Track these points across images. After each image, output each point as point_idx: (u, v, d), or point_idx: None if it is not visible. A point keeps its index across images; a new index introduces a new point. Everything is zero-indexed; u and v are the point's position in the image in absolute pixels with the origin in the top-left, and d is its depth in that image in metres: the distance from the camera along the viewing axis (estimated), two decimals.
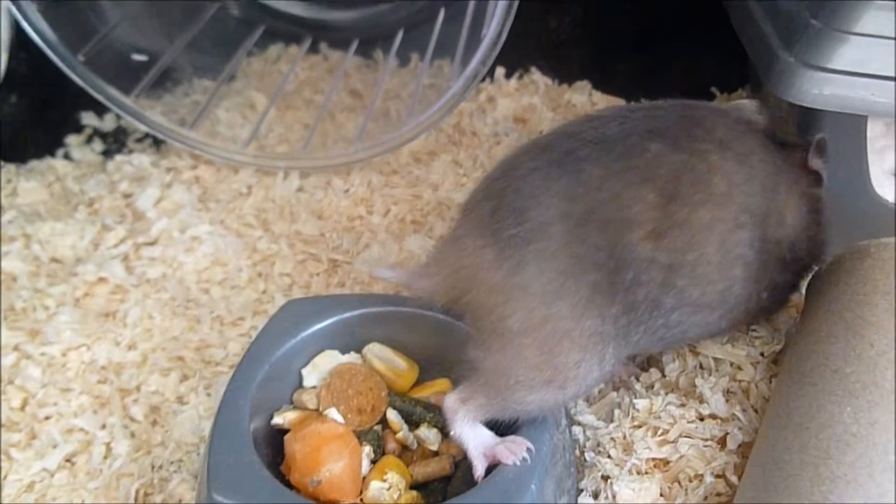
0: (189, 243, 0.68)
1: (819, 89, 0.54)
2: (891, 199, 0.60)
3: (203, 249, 0.67)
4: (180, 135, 0.75)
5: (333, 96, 0.82)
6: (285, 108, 0.83)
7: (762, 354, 0.54)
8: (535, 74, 0.86)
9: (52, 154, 0.80)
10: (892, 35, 0.52)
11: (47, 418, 0.56)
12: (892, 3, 0.52)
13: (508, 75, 0.86)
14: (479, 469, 0.45)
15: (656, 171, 0.45)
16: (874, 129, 0.60)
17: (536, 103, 0.82)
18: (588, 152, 0.46)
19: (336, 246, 0.67)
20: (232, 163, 0.75)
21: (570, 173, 0.45)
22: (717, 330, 0.51)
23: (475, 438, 0.45)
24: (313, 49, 0.90)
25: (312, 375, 0.50)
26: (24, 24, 0.69)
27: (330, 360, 0.51)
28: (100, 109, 0.82)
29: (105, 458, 0.54)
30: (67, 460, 0.54)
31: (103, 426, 0.55)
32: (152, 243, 0.68)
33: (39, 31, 0.70)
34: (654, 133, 0.46)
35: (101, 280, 0.65)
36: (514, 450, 0.44)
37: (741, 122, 0.50)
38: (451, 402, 0.46)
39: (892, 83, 0.52)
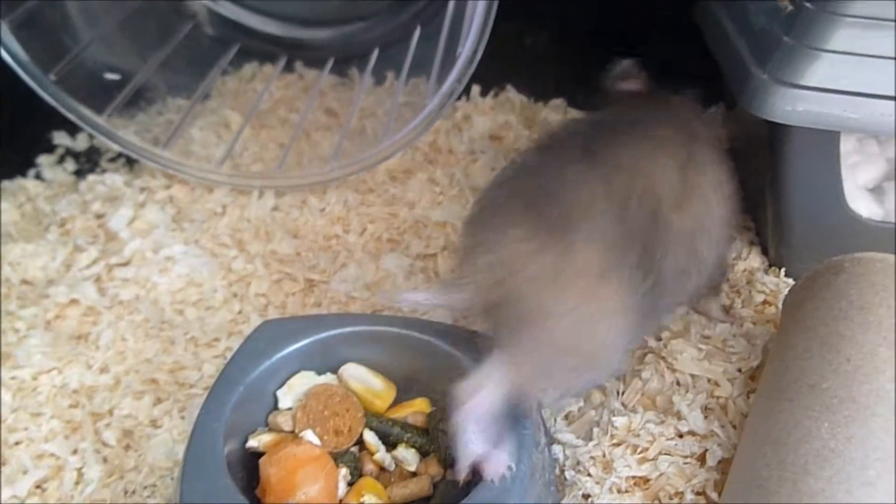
0: (163, 264, 0.67)
1: (792, 106, 0.54)
2: (864, 213, 0.60)
3: (177, 270, 0.66)
4: (154, 154, 0.74)
5: (309, 115, 0.81)
6: (260, 126, 0.82)
7: (739, 370, 0.54)
8: (511, 92, 0.86)
9: (24, 174, 0.79)
10: (864, 52, 0.53)
11: (17, 444, 0.55)
12: (863, 20, 0.52)
13: (484, 93, 0.86)
14: (462, 472, 0.45)
15: (670, 150, 0.51)
16: (847, 145, 0.61)
17: (512, 121, 0.82)
18: (612, 138, 0.51)
19: (312, 265, 0.66)
20: (206, 182, 0.75)
21: (605, 158, 0.49)
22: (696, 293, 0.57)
23: (469, 439, 0.45)
24: (288, 68, 0.89)
25: (288, 397, 0.49)
26: None
27: (306, 381, 0.50)
28: (72, 129, 0.81)
29: (77, 483, 0.53)
30: (38, 486, 0.53)
31: (75, 451, 0.54)
32: (125, 264, 0.67)
33: (11, 50, 0.69)
34: (655, 119, 0.54)
35: (73, 302, 0.64)
36: (494, 467, 0.44)
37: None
38: (463, 390, 0.45)
39: (864, 99, 0.53)
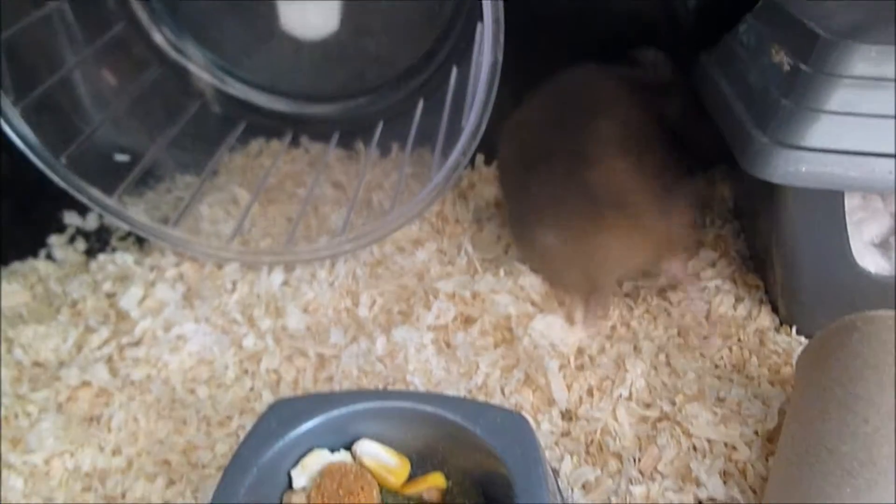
0: (174, 342, 0.67)
1: (794, 167, 0.54)
2: (873, 269, 0.60)
3: (188, 348, 0.66)
4: (163, 233, 0.75)
5: (316, 189, 0.82)
6: (268, 202, 0.83)
7: (756, 433, 0.54)
8: None
9: (35, 255, 0.80)
10: (863, 111, 0.53)
11: None
12: (861, 80, 0.53)
13: (488, 161, 0.87)
14: None
15: None
16: (851, 202, 0.61)
17: None
18: None
19: (323, 340, 0.66)
20: (216, 259, 0.75)
21: None
22: None
23: None
24: (294, 142, 0.91)
25: (302, 476, 0.49)
26: (6, 128, 0.70)
27: (319, 459, 0.50)
28: (82, 209, 0.82)
29: None
30: None
31: None
32: (136, 343, 0.67)
33: (21, 134, 0.70)
34: None
35: (85, 384, 0.64)
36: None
37: None
38: None
39: (866, 158, 0.53)
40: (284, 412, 0.50)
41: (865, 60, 0.53)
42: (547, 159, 0.64)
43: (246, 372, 0.65)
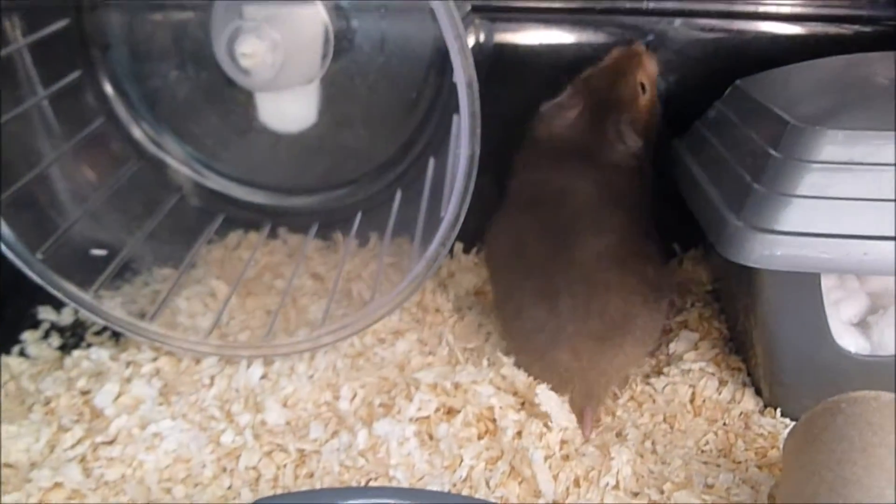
0: (150, 440, 0.65)
1: (769, 251, 0.55)
2: (853, 349, 0.60)
3: (164, 446, 0.64)
4: (139, 328, 0.74)
5: (295, 281, 0.82)
6: (246, 294, 0.83)
7: None
8: None
9: (8, 352, 0.78)
10: (834, 195, 0.54)
11: None
12: (831, 164, 0.54)
13: (467, 250, 0.87)
14: None
15: None
16: (828, 283, 0.62)
17: None
18: None
19: (303, 435, 0.65)
20: (194, 353, 0.74)
21: None
22: None
23: None
24: (272, 234, 0.91)
25: None
26: None
27: None
28: (57, 304, 0.81)
29: None
30: None
31: None
32: (111, 442, 0.66)
33: None
34: None
35: (57, 485, 0.62)
36: None
37: None
38: None
39: (839, 240, 0.54)
40: None
41: (834, 145, 0.54)
42: (543, 273, 0.67)
43: (224, 470, 0.63)
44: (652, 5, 0.80)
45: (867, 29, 0.78)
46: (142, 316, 0.75)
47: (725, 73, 0.75)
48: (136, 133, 0.87)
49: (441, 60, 0.80)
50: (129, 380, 0.72)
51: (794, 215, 0.55)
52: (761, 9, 0.79)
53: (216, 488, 0.61)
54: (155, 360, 0.75)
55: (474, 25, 0.79)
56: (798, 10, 0.79)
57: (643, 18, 0.81)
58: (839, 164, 0.54)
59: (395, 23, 0.80)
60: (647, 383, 0.68)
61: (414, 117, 0.84)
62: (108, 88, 0.85)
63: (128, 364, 0.74)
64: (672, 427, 0.64)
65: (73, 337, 0.81)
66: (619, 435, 0.62)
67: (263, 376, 0.72)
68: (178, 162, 0.89)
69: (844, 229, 0.54)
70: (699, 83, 0.80)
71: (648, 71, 0.78)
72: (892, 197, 0.53)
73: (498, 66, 0.82)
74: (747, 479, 0.57)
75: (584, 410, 0.64)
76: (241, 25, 0.72)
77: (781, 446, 0.53)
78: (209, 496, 0.61)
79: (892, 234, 0.53)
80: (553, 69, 0.83)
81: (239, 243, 0.91)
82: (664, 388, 0.67)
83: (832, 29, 0.79)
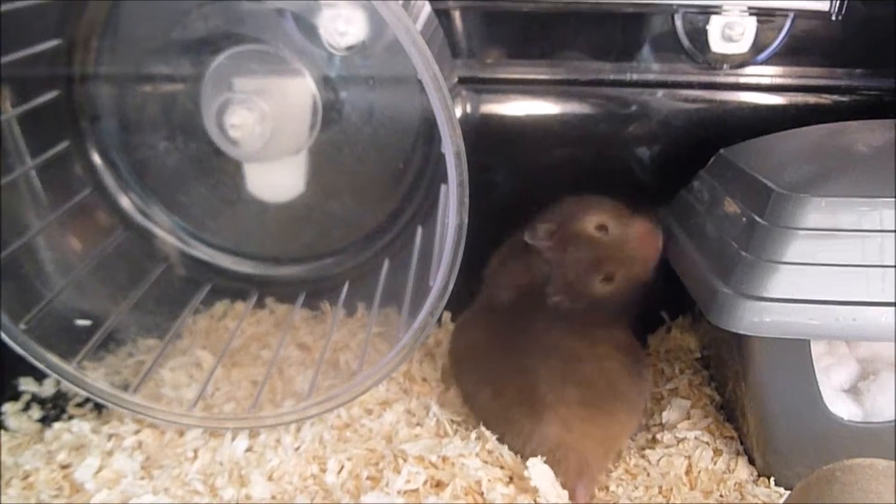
0: None
1: (758, 318, 0.55)
2: (846, 416, 0.60)
3: None
4: (122, 400, 0.73)
5: (281, 351, 0.81)
6: (232, 365, 0.82)
7: None
8: None
9: None
10: (821, 261, 0.55)
11: None
12: (816, 230, 0.55)
13: (454, 319, 0.87)
14: None
15: None
16: (817, 349, 0.61)
17: None
18: None
19: None
20: (177, 426, 0.73)
21: None
22: None
23: None
24: (259, 304, 0.90)
25: None
26: None
27: None
28: (39, 374, 0.79)
29: None
30: None
31: None
32: None
33: None
34: None
35: None
36: None
37: None
38: None
39: (827, 306, 0.54)
40: None
41: (819, 212, 0.55)
42: (515, 353, 0.69)
43: None
44: (635, 77, 0.81)
45: (845, 98, 0.80)
46: (125, 387, 0.74)
47: (709, 143, 0.76)
48: (124, 203, 0.87)
49: (429, 130, 0.81)
50: (110, 453, 0.70)
51: (782, 282, 0.55)
52: (742, 80, 0.81)
53: None
54: (137, 432, 0.73)
55: (461, 97, 0.80)
56: (778, 80, 0.81)
57: (626, 90, 0.82)
58: (824, 231, 0.55)
59: (383, 94, 0.81)
60: (642, 455, 0.67)
61: (401, 187, 0.84)
62: (97, 159, 0.85)
63: (110, 437, 0.73)
64: (668, 501, 0.62)
65: (55, 409, 0.79)
66: None
67: (248, 449, 0.71)
68: (165, 232, 0.89)
69: (832, 295, 0.54)
70: (683, 153, 0.81)
71: (608, 209, 0.75)
72: (878, 262, 0.54)
73: (484, 136, 0.83)
74: None
75: (576, 486, 0.63)
76: (230, 97, 0.73)
77: None
78: None
79: (880, 299, 0.53)
80: (539, 139, 0.84)
81: (225, 313, 0.90)
82: (659, 460, 0.66)
83: (812, 98, 0.80)
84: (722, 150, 0.73)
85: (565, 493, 0.62)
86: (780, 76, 0.80)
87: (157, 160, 0.86)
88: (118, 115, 0.85)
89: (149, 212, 0.87)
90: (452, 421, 0.71)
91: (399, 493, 0.63)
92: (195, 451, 0.71)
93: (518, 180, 0.86)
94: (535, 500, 0.61)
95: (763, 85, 0.81)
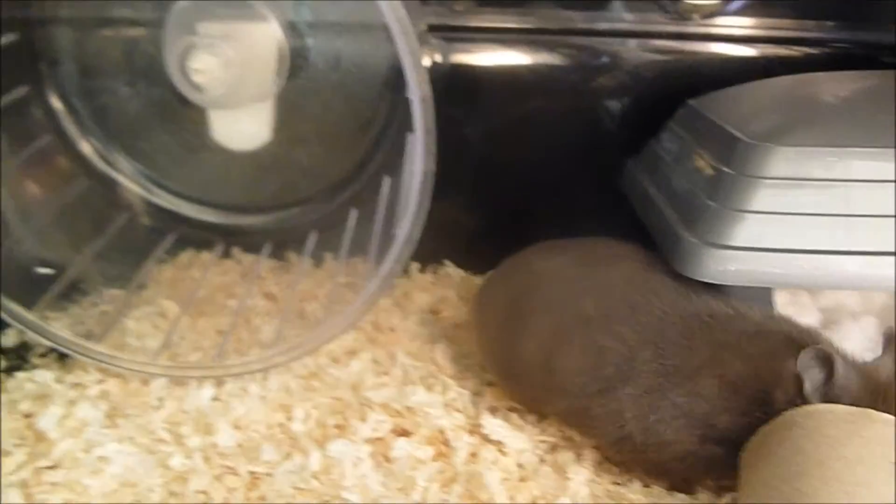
0: (95, 465, 0.63)
1: (723, 266, 0.56)
2: None
3: (110, 470, 0.62)
4: (86, 349, 0.72)
5: (248, 301, 0.81)
6: (198, 315, 0.81)
7: None
8: (450, 267, 0.87)
9: None
10: (785, 210, 0.55)
11: None
12: (781, 180, 0.55)
13: (423, 269, 0.87)
14: None
15: None
16: (781, 298, 0.62)
17: (451, 296, 0.82)
18: None
19: (255, 457, 0.63)
20: (142, 375, 0.72)
21: None
22: None
23: None
24: (226, 254, 0.89)
25: None
26: None
27: None
28: (1, 324, 0.78)
29: None
30: None
31: None
32: (54, 467, 0.63)
33: None
34: None
35: None
36: None
37: None
38: None
39: (791, 255, 0.55)
40: None
41: (785, 161, 0.55)
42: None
43: (172, 494, 0.61)
44: (605, 26, 0.81)
45: (815, 51, 0.80)
46: (89, 337, 0.73)
47: (679, 94, 0.76)
48: (85, 149, 0.85)
49: (396, 78, 0.80)
50: (74, 402, 0.70)
51: (747, 231, 0.55)
52: (713, 30, 0.80)
53: None
54: (102, 382, 0.73)
55: (430, 44, 0.79)
56: (749, 31, 0.80)
57: (597, 39, 0.81)
58: (790, 180, 0.55)
59: (350, 41, 0.79)
60: None
61: (369, 135, 0.84)
62: (57, 104, 0.83)
63: (73, 386, 0.72)
64: None
65: (18, 359, 0.78)
66: (577, 456, 0.62)
67: (214, 398, 0.70)
68: (128, 179, 0.87)
69: (796, 244, 0.55)
70: (653, 103, 0.80)
71: None
72: (843, 212, 0.54)
73: (454, 86, 0.82)
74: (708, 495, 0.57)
75: None
76: (193, 42, 0.71)
77: (739, 460, 0.53)
78: None
79: (843, 248, 0.54)
80: (509, 90, 0.84)
81: (191, 263, 0.89)
82: None
83: (782, 50, 0.80)
84: (690, 101, 0.73)
85: (528, 438, 0.62)
86: (750, 27, 0.80)
87: (118, 106, 0.84)
88: (79, 60, 0.83)
89: (111, 159, 0.86)
90: (419, 369, 0.71)
91: (366, 440, 0.63)
92: (160, 400, 0.70)
93: (488, 131, 0.86)
94: (499, 450, 0.62)
95: (733, 36, 0.80)
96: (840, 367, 0.48)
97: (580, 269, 0.64)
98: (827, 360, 0.49)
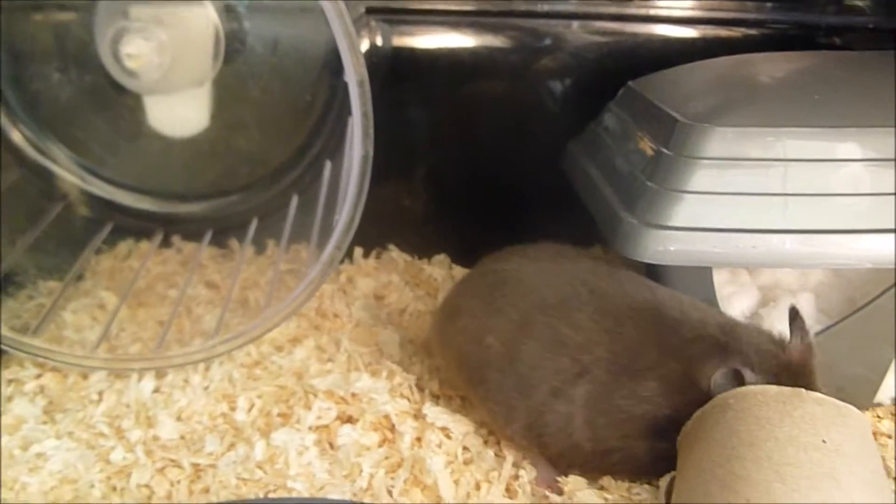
0: (33, 461, 0.62)
1: (663, 246, 0.56)
2: None
3: (49, 467, 0.61)
4: (22, 343, 0.70)
5: (188, 290, 0.79)
6: (137, 305, 0.79)
7: None
8: (394, 252, 0.87)
9: None
10: (723, 190, 0.55)
11: None
12: (718, 161, 0.55)
13: (366, 254, 0.86)
14: None
15: None
16: (720, 277, 0.63)
17: (396, 280, 0.82)
18: None
19: (198, 449, 0.62)
20: (80, 369, 0.71)
21: None
22: None
23: None
24: (165, 242, 0.88)
25: None
26: None
27: None
28: None
29: None
30: None
31: None
32: None
33: None
34: None
35: None
36: None
37: None
38: None
39: (729, 234, 0.55)
40: None
41: (722, 142, 0.56)
42: None
43: (114, 489, 0.60)
44: (546, 8, 0.80)
45: (754, 32, 0.81)
46: (25, 331, 0.71)
47: (620, 75, 0.76)
48: (16, 138, 0.82)
49: (336, 62, 0.78)
50: (10, 398, 0.68)
51: (686, 211, 0.56)
52: (653, 12, 0.81)
53: None
54: (39, 377, 0.71)
55: (369, 27, 0.78)
56: (689, 13, 0.81)
57: (538, 21, 0.81)
58: (727, 160, 0.56)
59: (288, 24, 0.78)
60: None
61: (309, 120, 0.83)
62: None
63: (9, 382, 0.70)
64: None
65: None
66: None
67: (156, 390, 0.69)
68: (62, 169, 0.85)
69: (734, 224, 0.55)
70: (594, 85, 0.80)
71: None
72: (780, 191, 0.55)
73: (396, 69, 0.81)
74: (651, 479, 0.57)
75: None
76: (125, 26, 0.69)
77: (677, 443, 0.53)
78: None
79: (780, 227, 0.55)
80: (450, 73, 0.83)
81: (130, 253, 0.88)
82: None
83: (722, 31, 0.81)
84: (630, 82, 0.73)
85: (469, 422, 0.62)
86: (690, 9, 0.81)
87: (50, 93, 0.82)
88: (7, 45, 0.80)
89: (44, 148, 0.83)
90: (363, 355, 0.71)
91: (310, 429, 0.63)
92: (100, 393, 0.69)
93: (431, 114, 0.85)
94: (445, 434, 0.61)
95: (674, 17, 0.81)
96: (750, 378, 0.50)
97: (543, 264, 0.64)
98: (737, 375, 0.51)
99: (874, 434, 0.60)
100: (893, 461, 0.58)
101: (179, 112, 0.80)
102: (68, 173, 0.85)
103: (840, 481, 0.42)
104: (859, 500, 0.41)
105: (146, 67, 0.69)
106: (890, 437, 0.61)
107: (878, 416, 0.63)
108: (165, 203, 0.87)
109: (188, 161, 0.85)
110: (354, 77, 0.55)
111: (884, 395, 0.63)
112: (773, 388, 0.48)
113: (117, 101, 0.81)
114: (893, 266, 0.56)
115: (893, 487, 0.54)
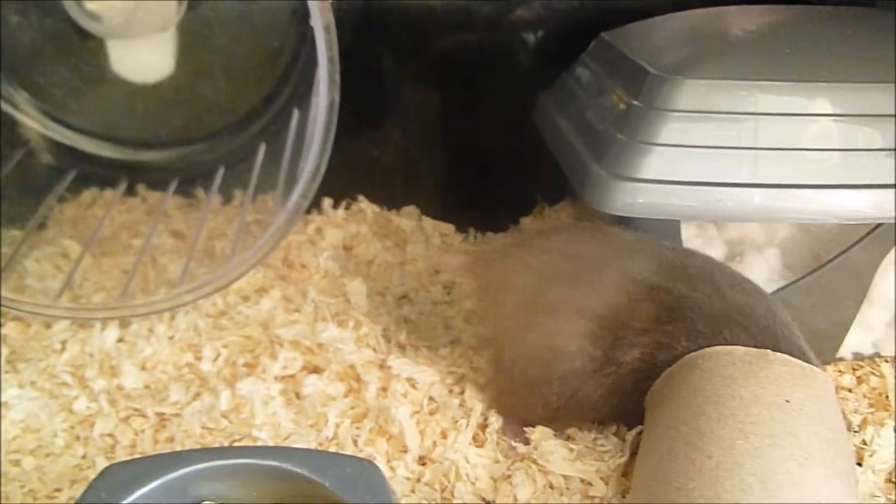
0: None
1: (631, 199, 0.56)
2: None
3: (11, 416, 0.60)
4: None
5: (153, 239, 0.78)
6: (101, 254, 0.78)
7: (611, 469, 0.54)
8: (363, 203, 0.86)
9: None
10: (692, 143, 0.55)
11: None
12: (688, 113, 0.55)
13: (336, 205, 0.85)
14: None
15: None
16: (688, 230, 0.63)
17: (364, 231, 0.81)
18: None
19: (163, 398, 0.62)
20: (43, 317, 0.70)
21: None
22: None
23: None
24: (130, 191, 0.86)
25: None
26: None
27: None
28: None
29: None
30: None
31: None
32: None
33: None
34: None
35: None
36: None
37: None
38: None
39: (698, 188, 0.55)
40: (115, 479, 0.46)
41: (693, 95, 0.55)
42: None
43: (77, 438, 0.60)
44: None
45: None
46: None
47: (592, 27, 0.75)
48: None
49: (304, 8, 0.77)
50: None
51: (655, 163, 0.56)
52: None
53: (69, 458, 0.58)
54: (1, 326, 0.70)
55: None
56: None
57: None
58: (698, 113, 0.55)
59: None
60: None
61: (277, 68, 0.81)
62: None
63: None
64: None
65: None
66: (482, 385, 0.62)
67: (120, 339, 0.68)
68: (24, 115, 0.83)
69: (703, 177, 0.55)
70: (566, 36, 0.80)
71: None
72: (748, 144, 0.55)
73: (368, 20, 0.80)
74: (615, 429, 0.58)
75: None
76: None
77: (645, 402, 0.54)
78: (61, 466, 0.57)
79: (748, 181, 0.55)
80: (423, 23, 0.82)
81: (94, 201, 0.86)
82: None
83: None
84: (603, 33, 0.73)
85: (435, 372, 0.62)
86: None
87: (11, 37, 0.80)
88: None
89: (5, 93, 0.81)
90: (330, 305, 0.70)
91: (276, 378, 0.62)
92: (63, 343, 0.68)
93: (403, 65, 0.84)
94: (411, 384, 0.62)
95: None
96: None
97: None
98: None
99: (836, 388, 0.61)
100: (853, 414, 0.59)
101: (143, 57, 0.78)
102: (30, 119, 0.83)
103: (801, 439, 0.43)
104: (818, 457, 0.42)
105: (108, 10, 0.67)
106: (850, 390, 0.62)
107: (840, 371, 0.64)
108: (130, 151, 0.86)
109: (152, 108, 0.83)
110: (320, 21, 0.54)
111: (846, 349, 0.64)
112: (741, 348, 0.48)
113: (80, 46, 0.79)
114: (858, 222, 0.56)
115: (853, 443, 0.55)
